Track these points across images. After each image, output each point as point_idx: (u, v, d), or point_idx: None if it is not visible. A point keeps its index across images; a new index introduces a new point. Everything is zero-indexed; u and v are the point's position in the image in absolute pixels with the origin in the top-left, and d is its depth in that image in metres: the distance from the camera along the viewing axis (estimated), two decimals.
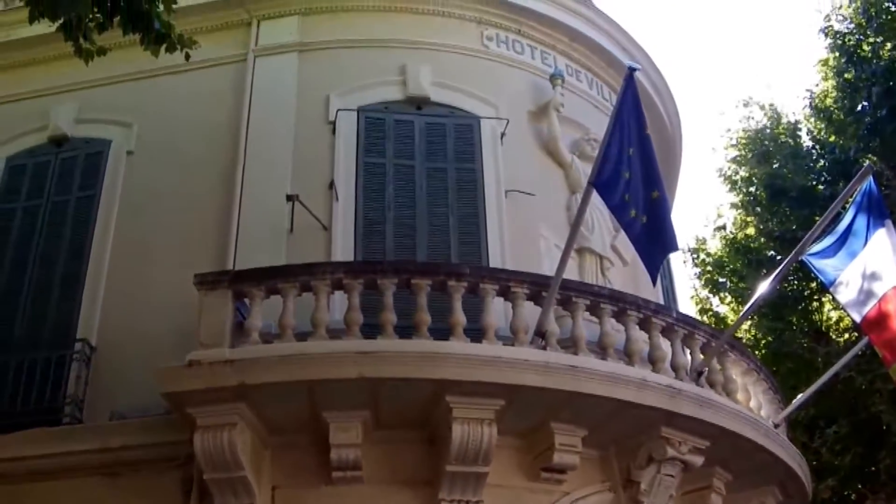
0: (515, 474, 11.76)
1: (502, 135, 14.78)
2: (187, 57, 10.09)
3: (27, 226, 14.53)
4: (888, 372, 13.02)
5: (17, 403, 12.93)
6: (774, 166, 24.37)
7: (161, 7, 9.61)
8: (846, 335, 22.78)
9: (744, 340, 22.59)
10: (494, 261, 13.52)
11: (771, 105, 26.25)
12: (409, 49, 15.46)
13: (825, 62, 24.18)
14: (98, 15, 9.39)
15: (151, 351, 12.10)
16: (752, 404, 13.20)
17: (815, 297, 23.26)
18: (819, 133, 24.32)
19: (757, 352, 21.82)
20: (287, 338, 11.18)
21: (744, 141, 25.90)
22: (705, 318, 25.59)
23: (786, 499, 13.98)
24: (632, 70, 11.00)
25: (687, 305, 25.61)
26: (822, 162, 23.82)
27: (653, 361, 11.98)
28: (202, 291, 11.52)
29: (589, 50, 17.10)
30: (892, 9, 22.70)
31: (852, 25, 23.45)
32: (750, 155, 25.30)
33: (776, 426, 13.42)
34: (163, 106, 15.32)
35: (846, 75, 23.05)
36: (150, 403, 11.62)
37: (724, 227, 26.64)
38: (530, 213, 14.33)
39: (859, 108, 22.74)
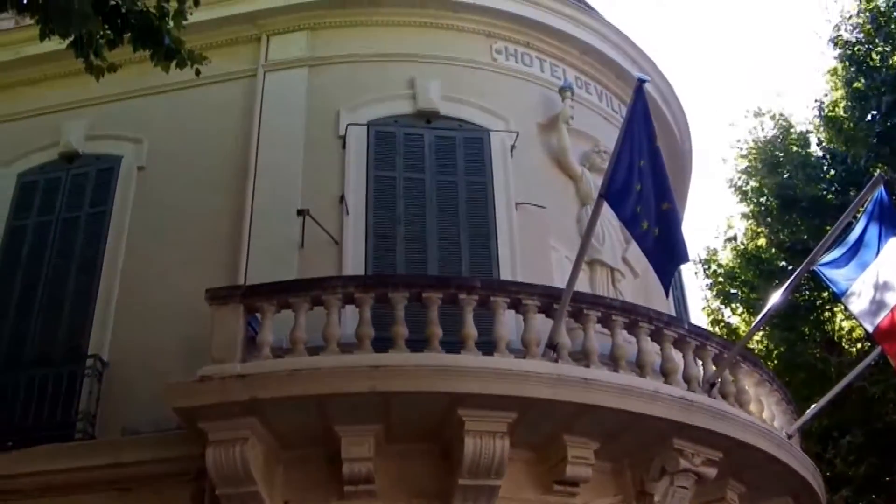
0: (528, 487, 11.73)
1: (512, 148, 14.78)
2: (197, 72, 10.12)
3: (39, 242, 14.57)
4: None
5: (29, 419, 12.97)
6: (785, 176, 24.31)
7: (171, 23, 9.64)
8: (859, 345, 22.69)
9: (756, 351, 22.52)
10: (505, 273, 13.51)
11: (781, 114, 26.21)
12: (419, 63, 15.48)
13: (834, 71, 24.16)
14: (108, 31, 9.43)
15: (163, 366, 12.13)
16: (765, 415, 13.15)
17: (827, 307, 23.18)
18: (829, 142, 24.26)
19: (769, 362, 21.76)
20: (299, 352, 11.19)
21: (754, 151, 25.86)
22: (717, 330, 25.53)
23: None
24: (641, 82, 10.99)
25: (698, 317, 25.59)
26: (832, 171, 23.76)
27: (665, 373, 11.96)
28: (214, 306, 11.54)
29: (598, 62, 17.10)
30: None
31: (861, 35, 23.44)
32: (760, 165, 25.25)
33: (789, 437, 13.38)
34: (173, 121, 15.37)
35: (856, 84, 23.03)
36: (161, 418, 11.62)
37: (735, 238, 26.59)
38: (541, 226, 14.32)
39: (869, 117, 22.72)
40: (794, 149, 24.94)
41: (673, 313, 14.96)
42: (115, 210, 14.67)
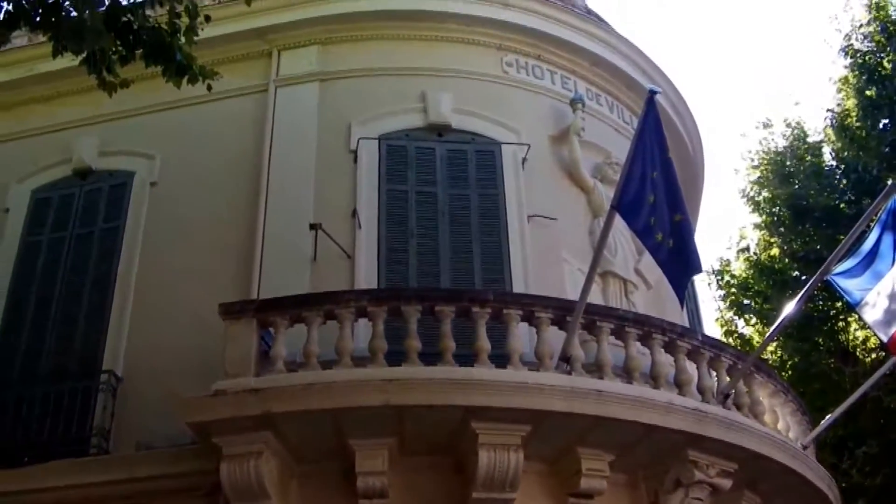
0: (543, 500, 11.69)
1: (524, 160, 14.78)
2: (209, 88, 10.16)
3: (53, 258, 14.64)
4: None
5: (44, 434, 13.01)
6: (797, 186, 24.25)
7: (183, 39, 9.68)
8: (873, 355, 22.56)
9: (770, 362, 22.46)
10: (518, 286, 13.50)
11: (798, 123, 26.15)
12: (429, 76, 15.50)
13: (845, 80, 24.11)
14: (120, 48, 9.47)
15: (177, 381, 12.12)
16: (779, 426, 13.11)
17: (841, 317, 23.08)
18: (842, 152, 24.20)
19: (783, 373, 21.70)
20: (312, 366, 11.20)
21: (765, 162, 25.80)
22: (731, 341, 25.43)
23: None
24: (653, 93, 10.98)
25: (712, 328, 25.49)
26: (845, 181, 23.70)
27: (679, 385, 11.93)
28: (227, 321, 11.57)
29: (609, 74, 17.10)
30: None
31: (872, 44, 23.41)
32: (772, 176, 25.19)
33: (804, 448, 13.33)
34: (185, 137, 15.42)
35: (867, 93, 22.99)
36: (176, 433, 11.63)
37: (747, 249, 26.50)
38: (553, 238, 14.31)
39: (881, 125, 22.67)
40: (808, 158, 24.87)
41: (686, 324, 14.91)
42: (129, 225, 14.73)
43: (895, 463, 20.73)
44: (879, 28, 23.08)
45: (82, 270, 14.44)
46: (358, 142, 14.58)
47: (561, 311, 11.73)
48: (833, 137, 24.48)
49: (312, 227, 13.51)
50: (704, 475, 11.64)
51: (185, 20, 9.73)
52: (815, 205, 23.13)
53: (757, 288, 25.29)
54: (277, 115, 15.19)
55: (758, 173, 25.94)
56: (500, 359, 11.28)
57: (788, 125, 26.21)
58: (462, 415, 10.80)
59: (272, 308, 11.66)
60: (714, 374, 12.56)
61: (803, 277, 22.01)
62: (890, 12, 23.40)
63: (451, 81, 15.51)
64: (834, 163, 24.66)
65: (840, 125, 23.96)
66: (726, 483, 11.88)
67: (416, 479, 11.41)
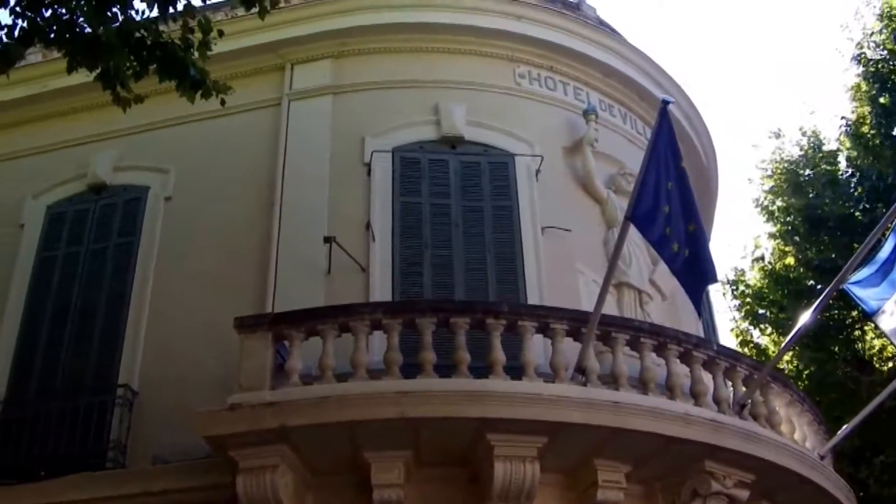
0: None
1: (537, 171, 14.78)
2: (223, 102, 10.18)
3: (68, 273, 14.70)
4: None
5: (60, 448, 13.04)
6: (812, 195, 24.16)
7: (196, 54, 9.71)
8: (890, 364, 22.45)
9: (786, 372, 22.34)
10: (532, 298, 13.49)
11: (814, 132, 26.07)
12: (442, 88, 15.53)
13: (857, 88, 24.05)
14: (134, 63, 9.51)
15: (192, 394, 12.15)
16: (796, 436, 13.06)
17: (857, 326, 22.95)
18: (856, 160, 24.13)
19: (799, 383, 21.57)
20: (327, 379, 11.21)
21: (779, 171, 25.71)
22: (746, 351, 25.29)
23: None
24: (666, 103, 10.99)
25: (727, 338, 25.38)
26: (860, 189, 23.61)
27: (695, 395, 11.90)
28: (242, 334, 11.60)
29: (622, 84, 17.11)
30: None
31: (885, 52, 23.35)
32: (786, 185, 25.10)
33: (822, 458, 13.27)
34: (199, 151, 15.48)
35: (881, 101, 22.92)
36: (192, 447, 11.62)
37: (762, 258, 26.36)
38: (567, 250, 14.30)
39: (895, 132, 22.59)
40: (822, 167, 24.78)
41: (702, 335, 14.88)
42: (143, 240, 14.79)
43: None
44: (892, 36, 23.01)
45: (97, 285, 14.49)
46: (371, 154, 14.61)
47: (576, 323, 11.71)
48: (847, 145, 24.41)
49: (327, 239, 13.54)
50: (721, 486, 11.60)
51: (198, 35, 9.76)
52: (829, 213, 23.03)
53: (772, 297, 25.16)
54: (291, 129, 15.23)
55: (771, 182, 25.84)
56: (515, 370, 11.28)
57: (804, 133, 26.12)
58: (477, 427, 10.79)
59: (287, 321, 11.68)
60: (730, 384, 12.54)
61: (818, 287, 21.87)
62: None
63: (464, 93, 15.53)
64: (849, 171, 24.57)
65: (855, 133, 23.89)
66: (743, 494, 11.83)
67: (431, 491, 11.40)
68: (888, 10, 23.57)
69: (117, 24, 9.18)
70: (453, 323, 11.46)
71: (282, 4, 13.96)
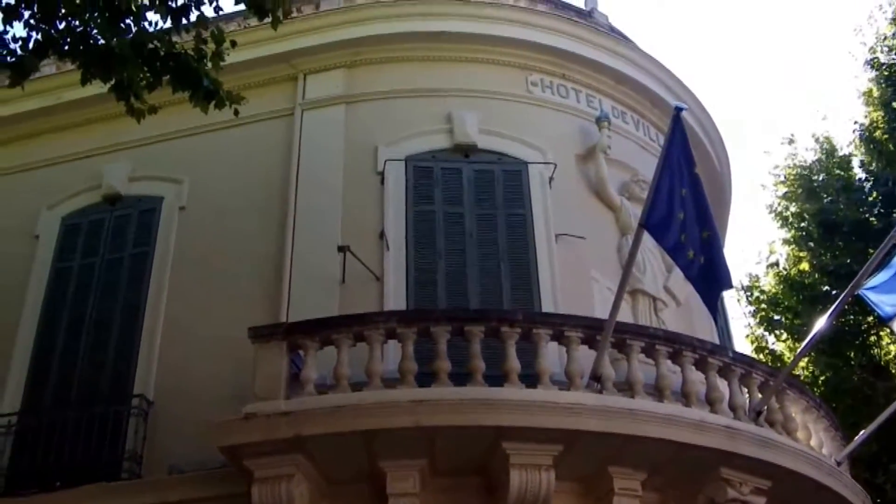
0: None
1: (550, 179, 14.79)
2: (236, 113, 10.20)
3: (83, 284, 14.75)
4: None
5: (76, 459, 13.04)
6: (826, 200, 24.10)
7: (209, 65, 9.74)
8: None
9: (802, 378, 22.27)
10: (547, 305, 13.49)
11: (826, 137, 26.01)
12: (455, 97, 15.55)
13: (870, 93, 24.00)
14: (148, 75, 9.54)
15: (207, 404, 12.17)
16: (813, 442, 13.01)
17: (873, 332, 22.88)
18: (869, 164, 24.07)
19: (815, 389, 21.49)
20: (342, 388, 11.22)
21: (792, 177, 25.66)
22: (761, 357, 25.22)
23: None
24: (679, 110, 10.96)
25: (742, 344, 25.31)
26: (874, 194, 23.56)
27: (710, 402, 11.87)
28: (257, 344, 11.61)
29: (634, 91, 17.11)
30: None
31: None
32: (800, 190, 25.05)
33: (839, 464, 13.22)
34: (213, 161, 15.52)
35: (894, 105, 22.87)
36: (207, 457, 11.65)
37: (777, 264, 26.30)
38: (581, 257, 14.29)
39: None
40: (837, 172, 24.73)
41: (717, 341, 14.86)
42: (158, 250, 14.83)
43: None
44: None
45: (112, 295, 14.53)
46: (385, 163, 14.63)
47: (590, 330, 11.70)
48: (861, 150, 24.36)
49: (341, 249, 13.56)
50: (738, 493, 11.57)
51: (211, 46, 9.79)
52: (844, 219, 22.97)
53: (787, 303, 25.10)
54: (304, 139, 15.26)
55: (785, 188, 25.80)
56: (530, 379, 11.28)
57: (816, 140, 26.07)
58: (493, 435, 10.79)
59: (301, 331, 11.69)
60: (746, 391, 12.50)
61: (834, 292, 21.82)
62: None
63: (477, 102, 15.55)
64: (863, 176, 24.51)
65: (868, 138, 23.84)
66: (760, 501, 11.81)
67: (447, 500, 11.40)
68: None
69: (131, 35, 9.22)
70: (468, 331, 11.46)
71: (294, 15, 14.07)
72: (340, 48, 15.96)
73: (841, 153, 25.42)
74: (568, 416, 10.85)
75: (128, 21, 9.19)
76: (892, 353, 22.95)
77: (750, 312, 26.48)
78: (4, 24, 9.05)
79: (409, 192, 14.45)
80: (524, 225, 14.25)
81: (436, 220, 14.12)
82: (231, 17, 15.72)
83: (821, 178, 24.77)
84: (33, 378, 14.13)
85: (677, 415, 11.32)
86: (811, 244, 24.35)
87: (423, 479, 11.13)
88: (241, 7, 9.75)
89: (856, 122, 24.43)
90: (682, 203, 10.54)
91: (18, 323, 14.72)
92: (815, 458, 12.40)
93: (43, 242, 15.54)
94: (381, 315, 12.10)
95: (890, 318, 12.58)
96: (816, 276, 24.06)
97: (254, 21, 11.85)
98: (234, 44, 10.08)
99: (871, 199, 23.62)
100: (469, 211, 14.21)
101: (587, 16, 17.81)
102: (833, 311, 12.73)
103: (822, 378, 23.02)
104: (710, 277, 10.49)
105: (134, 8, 9.12)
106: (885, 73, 23.27)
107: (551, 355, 11.76)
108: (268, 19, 9.77)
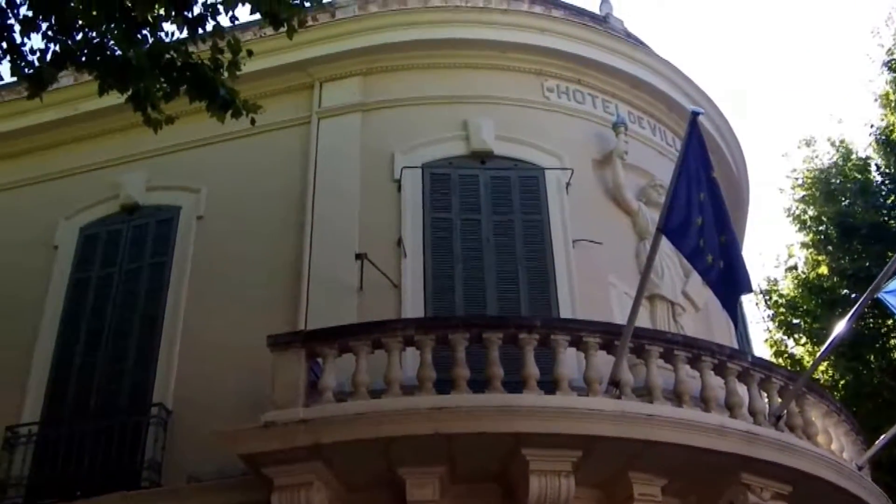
0: None
1: (567, 185, 14.77)
2: (253, 122, 10.22)
3: (102, 294, 14.81)
4: None
5: (96, 468, 13.10)
6: (844, 203, 24.03)
7: (225, 74, 9.76)
8: None
9: (821, 381, 22.18)
10: (564, 311, 13.47)
11: (842, 141, 25.93)
12: (471, 104, 15.56)
13: (886, 96, 23.91)
14: (164, 85, 9.57)
15: (226, 413, 12.20)
16: (833, 447, 12.95)
17: (893, 335, 22.79)
18: (887, 167, 23.98)
19: (836, 393, 21.41)
20: (361, 396, 11.22)
21: (810, 180, 25.58)
22: (781, 361, 25.14)
23: None
24: (695, 114, 10.93)
25: (761, 349, 25.23)
26: (891, 197, 23.47)
27: (730, 407, 11.83)
28: (275, 352, 11.63)
29: (650, 96, 17.08)
30: None
31: None
32: (818, 193, 24.97)
33: (860, 468, 13.17)
34: (230, 170, 15.57)
35: None
36: (226, 465, 11.68)
37: (795, 268, 26.22)
38: (599, 262, 14.27)
39: None
40: (854, 175, 24.64)
41: (735, 346, 14.82)
42: (176, 260, 14.88)
43: None
44: None
45: (131, 305, 14.58)
46: (401, 171, 14.65)
47: (609, 336, 11.68)
48: (879, 153, 24.27)
49: (358, 256, 13.59)
50: (758, 498, 11.54)
51: (227, 55, 9.81)
52: (862, 222, 22.89)
53: (806, 307, 25.00)
54: (321, 147, 15.30)
55: (803, 191, 25.72)
56: (549, 385, 11.27)
57: (832, 144, 26.00)
58: (512, 442, 10.78)
59: (320, 339, 11.71)
60: (765, 395, 12.45)
61: (853, 295, 21.74)
62: None
63: (493, 108, 15.56)
64: (880, 179, 24.42)
65: (885, 141, 23.76)
66: None
67: None
68: None
69: (147, 46, 9.25)
70: (486, 338, 11.45)
71: (310, 23, 14.09)
72: (356, 56, 15.99)
73: (857, 156, 25.34)
74: (587, 422, 10.84)
75: (144, 32, 9.22)
76: None
77: (769, 316, 26.41)
78: (23, 35, 9.10)
79: (426, 199, 14.46)
80: (541, 231, 14.25)
81: (453, 227, 14.13)
82: (247, 26, 15.74)
83: (838, 181, 24.69)
84: (53, 388, 14.18)
85: (696, 420, 11.29)
86: (829, 247, 24.27)
87: (442, 486, 11.13)
88: (257, 17, 9.77)
89: (872, 126, 24.37)
90: (701, 208, 10.51)
91: (38, 333, 14.79)
92: (836, 463, 12.35)
93: (61, 253, 15.62)
94: (399, 322, 12.12)
95: None
96: (835, 279, 23.97)
97: (270, 30, 11.94)
98: (250, 53, 10.10)
99: (889, 201, 23.54)
100: (486, 217, 14.21)
101: (602, 21, 17.81)
102: (852, 314, 12.69)
103: (842, 382, 22.93)
104: (729, 281, 10.46)
105: (150, 19, 9.15)
106: None
107: (569, 361, 11.74)
108: (283, 28, 9.79)
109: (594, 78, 16.52)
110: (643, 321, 13.12)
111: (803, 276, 25.52)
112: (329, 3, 16.27)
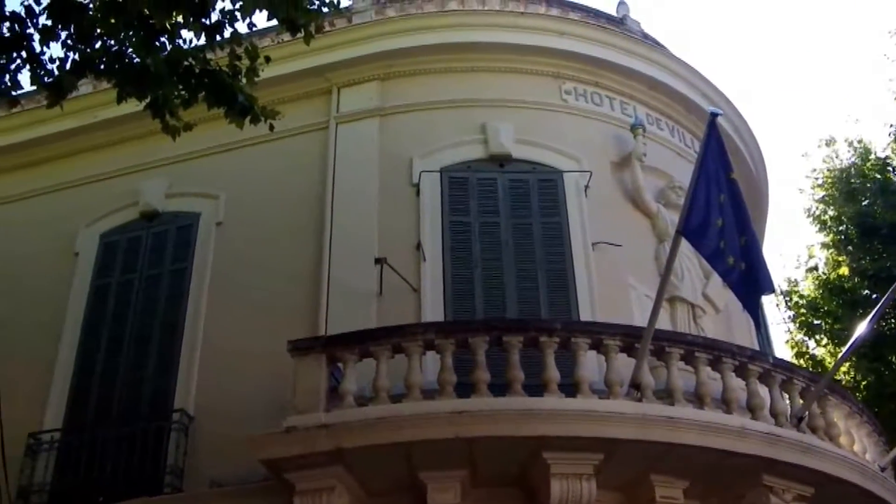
0: None
1: (586, 187, 14.76)
2: (271, 128, 10.23)
3: (122, 300, 14.86)
4: None
5: (118, 474, 13.16)
6: (864, 204, 23.93)
7: (244, 81, 9.78)
8: None
9: (843, 382, 22.09)
10: (584, 314, 13.46)
11: (860, 141, 25.83)
12: (489, 107, 15.56)
13: None
14: (183, 92, 9.59)
15: (248, 418, 12.18)
16: (856, 448, 12.89)
17: None
18: None
19: (857, 394, 21.30)
20: (381, 400, 11.22)
21: (830, 180, 25.48)
22: (802, 362, 25.04)
23: None
24: (714, 115, 10.90)
25: (783, 349, 25.12)
26: None
27: (751, 409, 11.79)
28: (296, 357, 11.66)
29: (668, 97, 17.05)
30: None
31: None
32: (838, 194, 24.87)
33: (882, 469, 13.11)
34: (249, 176, 15.60)
35: None
36: (248, 470, 11.70)
37: (816, 268, 26.11)
38: (618, 265, 14.25)
39: None
40: (873, 175, 24.54)
41: (756, 347, 14.76)
42: (196, 266, 14.92)
43: None
44: None
45: (152, 312, 14.63)
46: (420, 175, 14.66)
47: (629, 338, 11.65)
48: None
49: (377, 261, 13.61)
50: (780, 500, 11.50)
51: (245, 62, 9.82)
52: (882, 222, 22.80)
53: (827, 308, 24.89)
54: (339, 152, 15.32)
55: (823, 192, 25.62)
56: (570, 388, 11.25)
57: (850, 144, 25.90)
58: (533, 445, 10.76)
59: (340, 343, 11.72)
60: (787, 397, 12.40)
61: (874, 296, 21.64)
62: None
63: (511, 112, 15.55)
64: None
65: None
66: None
67: None
68: None
69: (165, 53, 9.27)
70: (506, 342, 11.44)
71: (327, 29, 14.08)
72: (373, 61, 16.02)
73: (877, 156, 25.23)
74: (608, 425, 10.82)
75: (162, 39, 9.24)
76: None
77: (790, 317, 26.30)
78: (42, 44, 9.13)
79: (445, 202, 14.46)
80: (560, 234, 14.23)
81: (472, 231, 14.13)
82: (264, 32, 15.78)
83: (858, 182, 24.60)
84: (75, 395, 14.25)
85: (718, 422, 11.25)
86: (850, 248, 24.15)
87: (463, 490, 11.12)
88: (275, 23, 9.78)
89: (891, 126, 24.26)
90: (721, 209, 10.48)
91: (59, 340, 14.86)
92: (859, 464, 12.29)
93: (82, 260, 15.69)
94: (419, 326, 12.11)
95: None
96: (856, 279, 23.86)
97: (287, 36, 11.92)
98: (268, 59, 10.12)
99: None
100: (505, 220, 14.21)
101: (619, 23, 17.79)
102: (874, 314, 12.64)
103: (863, 383, 22.83)
104: (750, 282, 10.43)
105: (169, 26, 9.17)
106: None
107: (590, 364, 11.72)
108: (301, 34, 9.79)
109: (612, 80, 16.50)
110: (663, 323, 13.12)
111: (824, 276, 25.41)
112: (346, 8, 16.29)
